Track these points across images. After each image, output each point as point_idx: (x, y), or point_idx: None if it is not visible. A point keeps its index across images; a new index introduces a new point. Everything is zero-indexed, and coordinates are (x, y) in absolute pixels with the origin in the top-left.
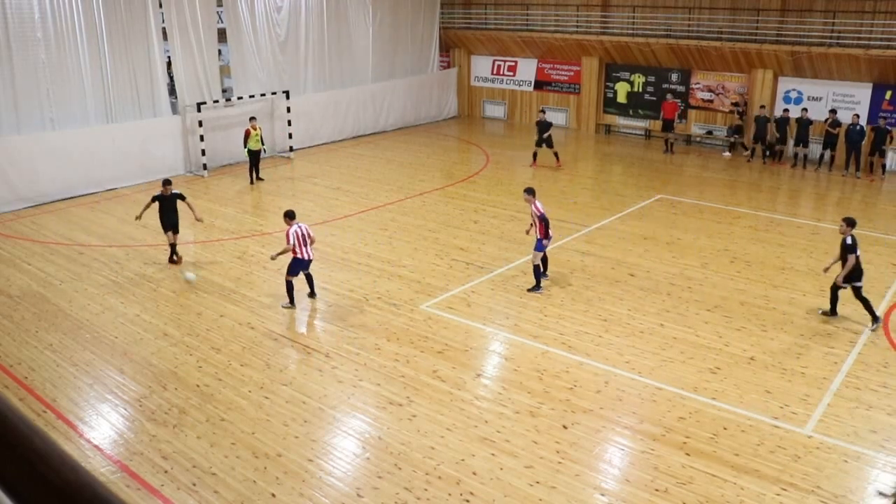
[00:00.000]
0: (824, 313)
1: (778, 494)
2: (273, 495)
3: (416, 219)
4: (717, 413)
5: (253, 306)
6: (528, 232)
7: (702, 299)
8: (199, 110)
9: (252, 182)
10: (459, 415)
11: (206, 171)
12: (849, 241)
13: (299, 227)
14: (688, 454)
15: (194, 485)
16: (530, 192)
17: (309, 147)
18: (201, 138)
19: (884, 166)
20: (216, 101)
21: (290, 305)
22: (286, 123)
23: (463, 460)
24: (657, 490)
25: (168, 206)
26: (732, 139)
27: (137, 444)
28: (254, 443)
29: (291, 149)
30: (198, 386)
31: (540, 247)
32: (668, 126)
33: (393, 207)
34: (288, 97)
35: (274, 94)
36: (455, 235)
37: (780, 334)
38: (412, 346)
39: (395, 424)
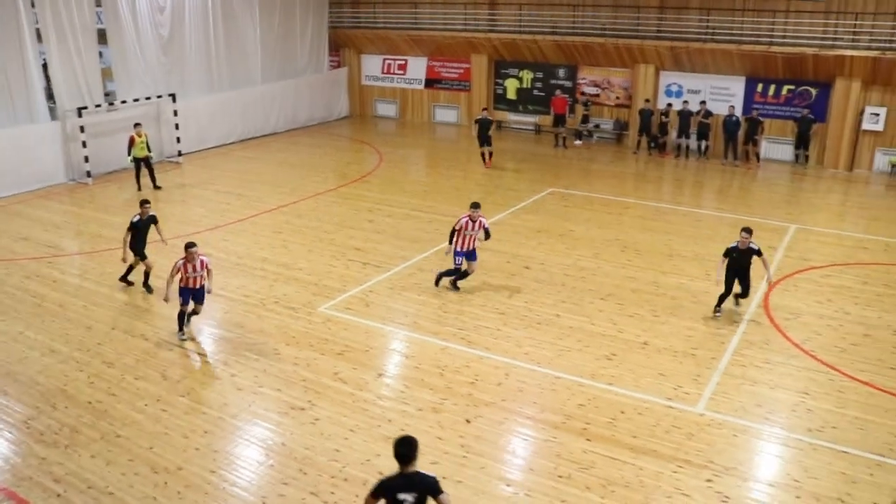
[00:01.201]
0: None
1: (674, 472)
2: None
3: (311, 220)
4: (614, 398)
5: (146, 317)
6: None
7: (595, 288)
8: (80, 115)
9: (139, 189)
10: (363, 415)
11: (90, 179)
12: (755, 246)
13: None
14: (588, 440)
15: None
16: (477, 205)
17: (198, 151)
18: (84, 144)
19: (758, 154)
20: (98, 106)
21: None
22: (174, 127)
23: (369, 461)
24: (560, 476)
25: (144, 231)
26: (582, 129)
27: (26, 469)
28: (152, 458)
29: (180, 153)
30: (90, 403)
31: (475, 255)
32: (559, 121)
33: (287, 210)
34: (174, 100)
35: (160, 97)
36: (351, 236)
37: (670, 318)
38: (312, 349)
39: (298, 429)
